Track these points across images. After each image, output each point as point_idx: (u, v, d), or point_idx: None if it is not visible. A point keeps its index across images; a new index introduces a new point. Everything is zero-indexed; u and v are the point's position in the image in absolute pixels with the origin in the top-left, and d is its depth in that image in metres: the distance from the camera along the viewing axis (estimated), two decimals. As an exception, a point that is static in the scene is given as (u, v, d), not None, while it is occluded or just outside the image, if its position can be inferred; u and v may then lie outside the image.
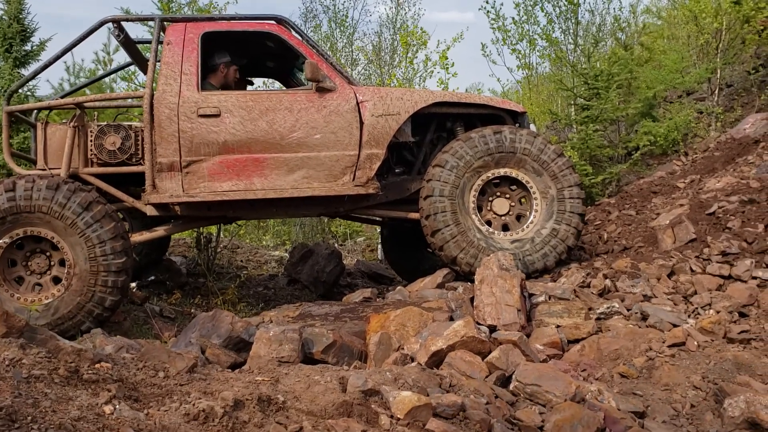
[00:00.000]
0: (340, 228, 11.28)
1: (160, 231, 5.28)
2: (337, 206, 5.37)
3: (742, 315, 3.89)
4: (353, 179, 5.08)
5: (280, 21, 5.25)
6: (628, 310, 4.07)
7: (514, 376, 3.15)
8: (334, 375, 2.92)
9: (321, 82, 4.99)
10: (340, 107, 5.05)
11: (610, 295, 4.35)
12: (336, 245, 10.16)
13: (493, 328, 3.79)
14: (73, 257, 4.58)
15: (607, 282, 4.46)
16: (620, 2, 29.22)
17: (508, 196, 5.17)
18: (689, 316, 3.94)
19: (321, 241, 9.02)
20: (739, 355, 3.35)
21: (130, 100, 6.29)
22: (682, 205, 5.79)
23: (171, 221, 5.48)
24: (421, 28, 12.31)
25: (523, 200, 5.18)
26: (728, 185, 5.87)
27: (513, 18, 12.22)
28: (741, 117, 9.11)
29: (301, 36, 5.28)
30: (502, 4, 20.22)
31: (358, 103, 5.08)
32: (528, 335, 3.79)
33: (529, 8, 11.42)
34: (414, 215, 5.26)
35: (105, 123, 5.21)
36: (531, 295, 4.36)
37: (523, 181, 5.05)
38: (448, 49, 11.53)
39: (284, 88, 6.55)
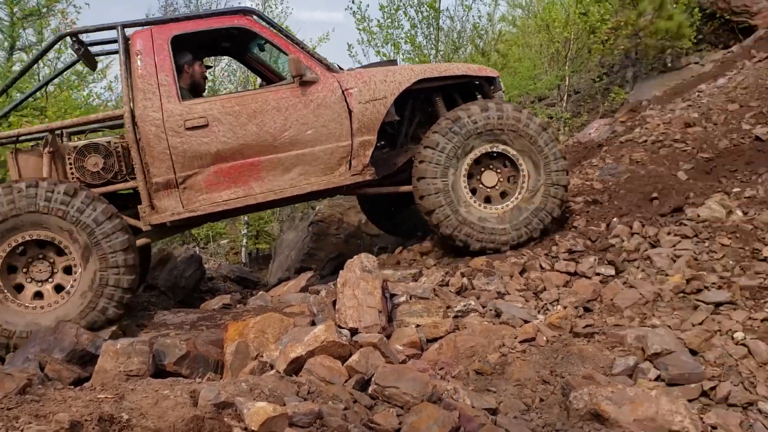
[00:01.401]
0: (202, 230, 10.89)
1: (143, 239, 5.04)
2: (333, 194, 5.54)
3: (586, 310, 4.13)
4: (349, 169, 5.08)
5: (248, 12, 5.10)
6: (483, 307, 4.20)
7: (373, 379, 3.14)
8: (184, 388, 2.77)
9: (304, 76, 4.89)
10: (327, 99, 4.98)
11: (467, 293, 4.46)
12: (197, 248, 9.78)
13: (354, 331, 3.77)
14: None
15: (465, 280, 4.58)
16: (479, 10, 30.47)
17: (498, 169, 5.23)
18: (539, 312, 4.13)
19: (181, 244, 8.64)
20: (583, 349, 3.54)
21: (108, 121, 5.59)
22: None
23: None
24: (287, 27, 12.15)
25: (511, 178, 5.24)
26: (574, 187, 6.23)
27: (378, 20, 12.36)
28: (587, 122, 9.78)
29: (272, 26, 5.17)
30: (368, 6, 20.40)
31: (343, 92, 5.02)
32: (389, 336, 3.80)
33: (393, 12, 11.59)
34: (405, 188, 5.33)
35: (82, 144, 4.91)
36: (393, 295, 4.39)
37: (511, 156, 5.13)
38: (314, 48, 11.46)
39: (242, 65, 6.60)
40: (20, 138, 5.11)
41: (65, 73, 6.74)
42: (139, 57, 4.77)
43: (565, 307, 4.10)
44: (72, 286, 4.48)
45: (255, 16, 5.10)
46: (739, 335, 3.58)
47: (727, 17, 10.42)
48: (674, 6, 9.90)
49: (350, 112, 5.02)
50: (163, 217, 4.83)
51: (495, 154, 5.18)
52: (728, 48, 10.19)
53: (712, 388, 3.17)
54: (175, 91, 4.77)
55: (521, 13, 14.89)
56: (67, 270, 4.53)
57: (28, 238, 4.41)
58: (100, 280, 4.43)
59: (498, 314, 4.05)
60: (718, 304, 3.92)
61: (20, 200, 4.34)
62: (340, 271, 4.29)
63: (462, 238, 5.00)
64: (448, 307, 4.17)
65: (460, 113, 5.08)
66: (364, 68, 5.41)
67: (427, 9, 11.51)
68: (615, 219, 5.22)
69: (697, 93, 8.26)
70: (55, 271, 4.55)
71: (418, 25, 11.85)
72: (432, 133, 5.08)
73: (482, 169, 5.22)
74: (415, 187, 5.12)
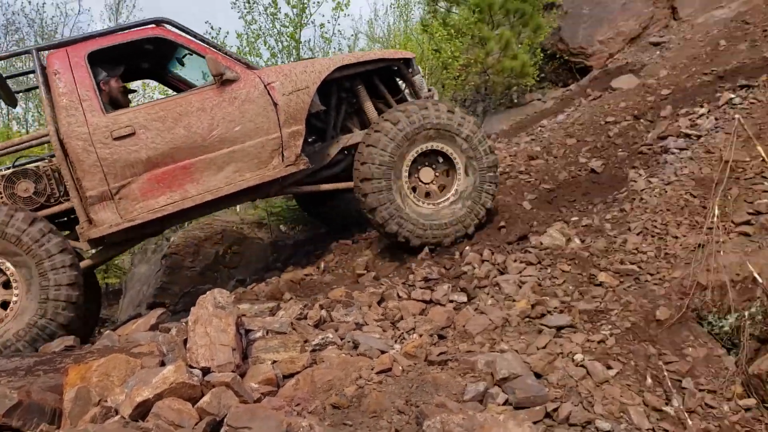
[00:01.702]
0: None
1: (87, 261, 5.08)
2: (272, 188, 5.50)
3: (441, 337, 4.23)
4: (283, 160, 5.19)
5: (161, 22, 5.16)
6: (341, 339, 4.18)
7: (225, 421, 3.02)
8: (11, 445, 2.51)
9: (224, 74, 4.98)
10: (251, 94, 5.10)
11: (325, 326, 4.44)
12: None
13: (207, 371, 3.60)
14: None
15: (323, 312, 4.56)
16: (339, 42, 30.93)
17: (434, 165, 5.49)
18: (396, 342, 4.18)
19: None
20: (437, 377, 3.62)
21: (32, 142, 5.18)
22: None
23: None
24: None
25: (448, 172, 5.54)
26: (430, 216, 6.42)
27: (238, 47, 12.19)
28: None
29: (187, 33, 5.20)
30: (227, 33, 20.14)
31: (266, 86, 5.15)
32: (243, 375, 3.68)
33: (252, 41, 11.47)
34: (345, 185, 5.54)
35: (9, 171, 4.93)
36: (249, 331, 4.27)
37: (448, 153, 5.40)
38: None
39: (164, 86, 6.75)
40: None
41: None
42: (57, 76, 4.80)
43: (420, 336, 4.18)
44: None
45: (167, 25, 5.15)
46: (578, 357, 3.82)
47: (566, 58, 11.28)
48: (518, 46, 10.58)
49: (275, 104, 5.15)
50: (102, 230, 4.82)
51: (431, 152, 5.42)
52: (567, 86, 11.04)
53: (555, 410, 3.34)
54: (97, 104, 4.82)
55: (379, 47, 15.33)
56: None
57: None
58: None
59: (356, 346, 4.05)
60: (559, 328, 4.17)
61: None
62: (192, 308, 4.11)
63: (405, 235, 5.24)
64: (306, 341, 4.12)
65: (399, 114, 5.26)
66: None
67: (288, 39, 11.52)
68: (467, 247, 5.43)
69: (539, 128, 8.85)
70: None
71: (278, 54, 11.81)
72: (374, 133, 5.23)
73: (419, 167, 5.44)
74: (358, 187, 5.23)
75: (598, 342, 3.99)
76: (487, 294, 4.73)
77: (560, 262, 4.95)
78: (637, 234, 5.16)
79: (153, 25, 5.15)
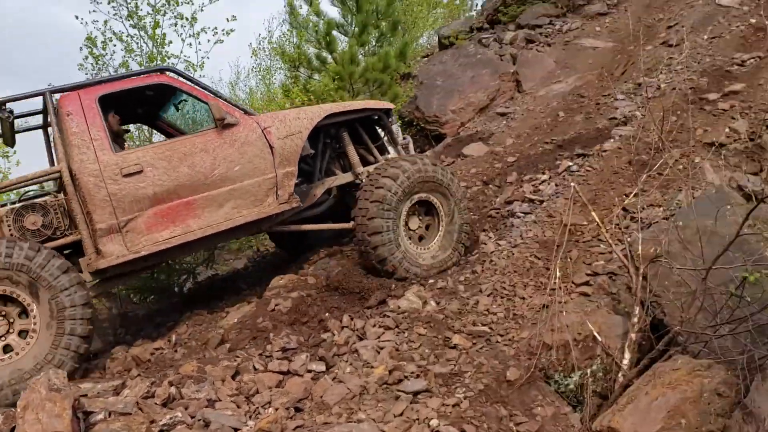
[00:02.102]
0: None
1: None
2: (264, 224, 5.92)
3: (297, 410, 4.11)
4: (277, 198, 5.72)
5: (166, 70, 5.69)
6: (192, 418, 3.94)
7: None
8: None
9: (225, 119, 5.44)
10: (249, 137, 5.61)
11: (175, 404, 4.17)
12: None
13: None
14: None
15: (172, 390, 4.29)
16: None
17: (420, 215, 6.18)
18: (250, 418, 4.00)
19: None
20: (292, 453, 3.49)
21: (44, 177, 5.42)
22: (250, 302, 6.03)
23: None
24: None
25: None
26: (290, 281, 6.33)
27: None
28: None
29: (189, 80, 5.65)
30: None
31: (263, 130, 5.68)
32: (78, 465, 3.36)
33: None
34: (345, 225, 6.14)
35: (19, 205, 5.14)
36: (89, 413, 3.93)
37: (434, 203, 6.08)
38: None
39: (155, 131, 7.50)
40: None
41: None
42: (70, 117, 5.13)
43: (276, 410, 4.04)
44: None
45: (171, 73, 5.65)
46: (434, 422, 3.84)
47: (423, 125, 11.80)
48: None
49: (272, 147, 5.68)
50: (110, 261, 5.10)
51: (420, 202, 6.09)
52: (424, 152, 11.51)
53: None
54: (107, 144, 5.18)
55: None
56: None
57: None
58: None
59: (207, 425, 3.83)
60: (416, 393, 4.18)
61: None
62: (22, 392, 3.73)
63: (402, 272, 5.78)
64: (153, 422, 3.84)
65: (397, 171, 5.77)
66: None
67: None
68: (327, 314, 5.39)
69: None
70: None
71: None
72: (376, 190, 5.70)
73: (407, 215, 5.99)
74: (366, 241, 5.71)
75: (453, 405, 4.05)
76: (346, 362, 4.68)
77: (417, 325, 5.02)
78: (488, 295, 5.38)
79: (158, 73, 5.66)
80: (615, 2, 14.12)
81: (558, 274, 5.00)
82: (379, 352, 4.73)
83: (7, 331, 4.79)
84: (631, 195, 5.64)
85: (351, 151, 6.54)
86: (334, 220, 6.91)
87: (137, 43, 9.19)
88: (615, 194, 6.64)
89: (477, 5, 19.18)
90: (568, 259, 5.63)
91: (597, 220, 5.11)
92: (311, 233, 6.83)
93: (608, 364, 4.44)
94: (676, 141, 7.43)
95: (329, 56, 10.73)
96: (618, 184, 6.82)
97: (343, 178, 6.53)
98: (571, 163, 7.62)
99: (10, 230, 4.99)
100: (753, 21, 11.30)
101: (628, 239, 5.05)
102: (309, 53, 11.01)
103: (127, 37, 9.16)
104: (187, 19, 9.14)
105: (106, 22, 9.08)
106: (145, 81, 5.54)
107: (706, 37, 10.95)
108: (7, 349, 4.76)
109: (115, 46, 9.18)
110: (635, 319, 4.43)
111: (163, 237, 5.29)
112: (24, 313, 4.83)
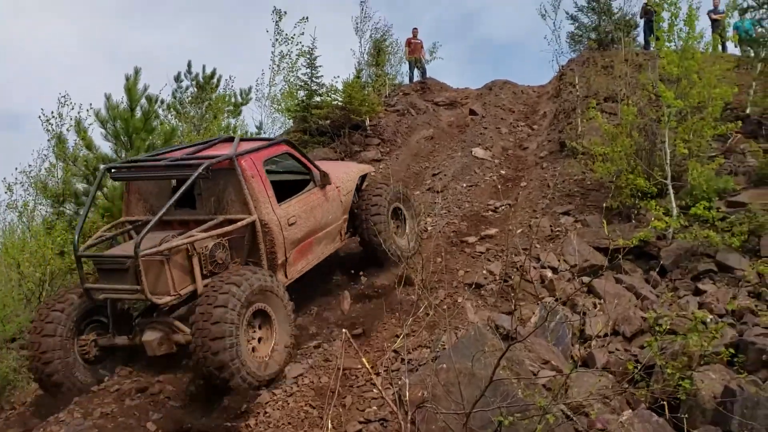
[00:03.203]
0: None
1: None
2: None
3: None
4: (341, 238, 8.32)
5: (288, 142, 7.62)
6: None
7: None
8: None
9: (326, 183, 7.67)
10: (333, 194, 7.85)
11: None
12: None
13: None
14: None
15: None
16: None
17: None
18: None
19: None
20: None
21: (241, 224, 6.65)
22: None
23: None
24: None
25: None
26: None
27: None
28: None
29: (299, 152, 7.65)
30: None
31: (336, 188, 7.95)
32: None
33: None
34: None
35: (212, 244, 6.37)
36: None
37: (403, 209, 8.99)
38: None
39: None
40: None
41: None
42: (254, 178, 6.58)
43: None
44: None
45: (292, 145, 7.61)
46: None
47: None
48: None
49: (341, 201, 8.06)
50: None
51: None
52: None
53: None
54: (275, 199, 6.77)
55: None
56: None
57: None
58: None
59: None
60: None
61: None
62: None
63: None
64: None
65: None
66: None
67: None
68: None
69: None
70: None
71: None
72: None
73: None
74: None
75: None
76: None
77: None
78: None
79: (285, 144, 7.49)
80: (388, 150, 15.41)
81: (330, 426, 4.89)
82: None
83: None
84: (400, 338, 5.83)
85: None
86: None
87: None
88: (387, 335, 6.85)
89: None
90: (344, 406, 5.57)
91: (366, 366, 5.17)
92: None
93: None
94: (442, 282, 7.98)
95: (99, 191, 10.18)
96: (390, 325, 7.05)
97: None
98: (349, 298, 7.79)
99: (205, 263, 6.28)
100: (503, 172, 12.92)
101: (399, 383, 5.15)
102: (77, 188, 10.35)
103: None
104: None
105: None
106: (281, 149, 7.31)
107: (465, 185, 12.25)
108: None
109: None
110: (405, 469, 4.42)
111: (298, 268, 7.26)
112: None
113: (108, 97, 10.18)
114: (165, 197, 6.69)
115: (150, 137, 10.43)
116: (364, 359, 5.20)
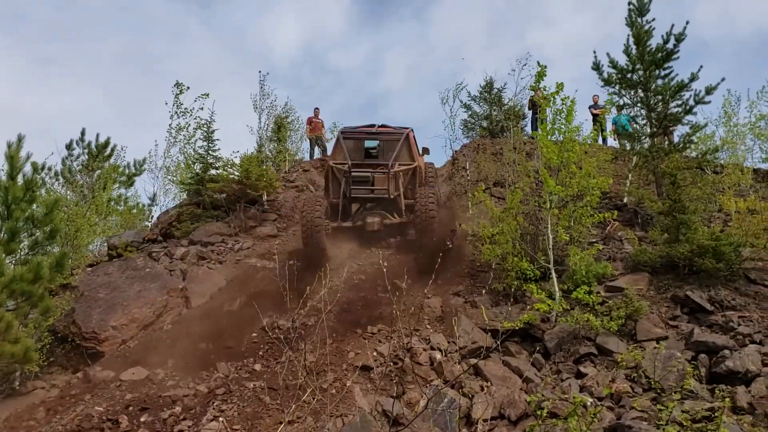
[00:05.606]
0: None
1: None
2: None
3: None
4: None
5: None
6: None
7: None
8: None
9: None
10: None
11: None
12: None
13: None
14: None
15: None
16: None
17: None
18: None
19: None
20: None
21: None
22: None
23: None
24: None
25: None
26: None
27: None
28: None
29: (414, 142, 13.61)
30: None
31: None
32: None
33: None
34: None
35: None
36: None
37: None
38: None
39: None
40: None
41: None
42: (416, 142, 13.79)
43: None
44: None
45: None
46: None
47: (78, 341, 10.70)
48: (23, 329, 9.67)
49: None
50: None
51: None
52: (77, 371, 10.31)
53: None
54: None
55: None
56: None
57: None
58: None
59: None
60: None
61: None
62: None
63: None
64: None
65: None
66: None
67: None
68: None
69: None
70: None
71: None
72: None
73: None
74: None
75: None
76: None
77: None
78: None
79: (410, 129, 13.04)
80: (285, 225, 15.29)
81: None
82: None
83: None
84: (282, 425, 5.60)
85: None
86: None
87: None
88: (271, 421, 6.56)
89: (153, 217, 19.12)
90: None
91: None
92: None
93: None
94: (333, 364, 7.80)
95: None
96: (274, 410, 6.77)
97: None
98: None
99: (402, 181, 12.61)
100: (399, 251, 13.03)
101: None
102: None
103: None
104: None
105: None
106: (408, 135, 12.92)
107: (361, 263, 12.26)
108: None
109: None
110: None
111: None
112: None
113: (-14, 165, 9.58)
114: (360, 151, 12.72)
115: (30, 208, 9.82)
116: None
